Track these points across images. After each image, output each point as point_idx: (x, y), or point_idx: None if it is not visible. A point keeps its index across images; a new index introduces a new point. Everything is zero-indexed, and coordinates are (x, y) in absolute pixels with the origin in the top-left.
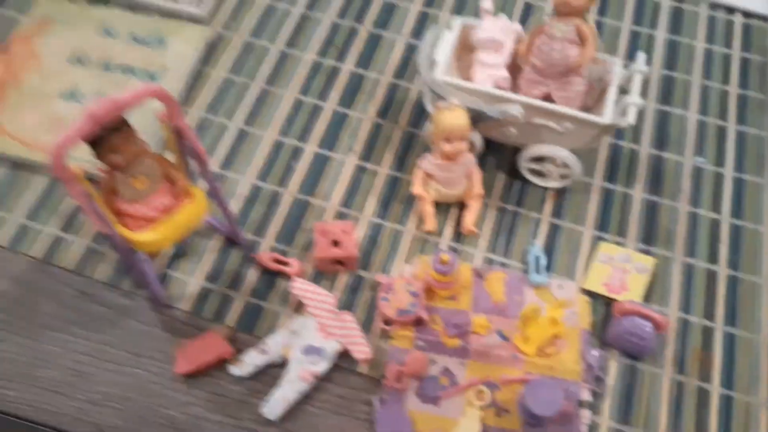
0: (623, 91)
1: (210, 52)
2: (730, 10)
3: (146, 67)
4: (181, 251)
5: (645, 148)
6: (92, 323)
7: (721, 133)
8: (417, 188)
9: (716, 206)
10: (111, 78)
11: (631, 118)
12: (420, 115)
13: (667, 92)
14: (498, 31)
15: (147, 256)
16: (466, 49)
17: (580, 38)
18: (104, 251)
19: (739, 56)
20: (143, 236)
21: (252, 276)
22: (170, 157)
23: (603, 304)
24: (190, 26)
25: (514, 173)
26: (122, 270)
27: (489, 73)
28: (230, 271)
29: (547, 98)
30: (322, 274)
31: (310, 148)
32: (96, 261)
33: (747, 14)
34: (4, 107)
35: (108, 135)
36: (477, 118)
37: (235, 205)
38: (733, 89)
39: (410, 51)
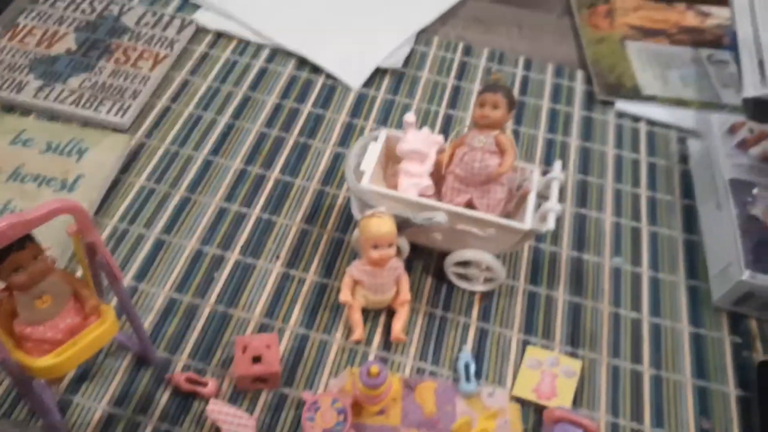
0: (542, 196)
1: (131, 161)
2: (636, 119)
3: (61, 176)
4: (86, 373)
5: (565, 251)
6: None
7: (636, 233)
8: (345, 295)
9: (636, 305)
10: (21, 188)
11: (550, 224)
12: (348, 221)
13: (583, 196)
14: (421, 142)
15: (46, 382)
16: (391, 159)
17: (499, 149)
18: None
19: (646, 161)
20: (43, 362)
21: (164, 398)
22: (79, 272)
23: (534, 411)
24: (112, 135)
25: (441, 277)
26: (16, 397)
27: (414, 182)
28: (140, 393)
29: (470, 205)
30: (242, 393)
31: (233, 257)
32: None
33: (651, 122)
34: None
35: (10, 252)
36: (403, 225)
37: (148, 321)
38: (644, 192)
39: (337, 159)
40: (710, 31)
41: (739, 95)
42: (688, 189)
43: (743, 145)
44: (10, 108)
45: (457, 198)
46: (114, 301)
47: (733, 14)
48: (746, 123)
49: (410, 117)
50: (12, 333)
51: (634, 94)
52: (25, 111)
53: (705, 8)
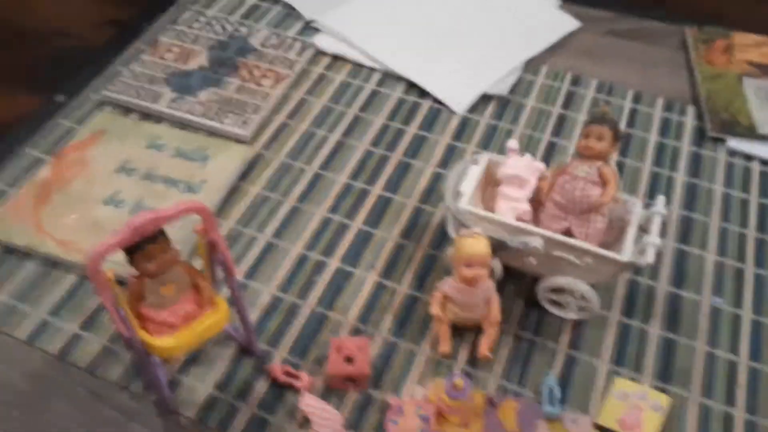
0: (642, 230)
1: (249, 170)
2: (749, 157)
3: (187, 179)
4: (195, 357)
5: (663, 286)
6: (100, 428)
7: (739, 274)
8: (435, 309)
9: (734, 348)
10: (153, 188)
11: (649, 257)
12: (442, 238)
13: (686, 232)
14: (522, 168)
15: (161, 360)
16: (489, 183)
17: (602, 180)
18: (119, 351)
19: (756, 201)
20: (163, 342)
21: (262, 387)
22: (198, 264)
23: None
24: (233, 145)
25: (532, 302)
26: (134, 371)
27: (512, 206)
28: (241, 380)
29: (568, 233)
30: (332, 391)
31: (333, 264)
32: (110, 361)
33: (764, 162)
34: (47, 208)
35: (144, 243)
36: (498, 247)
37: (254, 315)
38: (751, 232)
39: (436, 179)
40: None
41: None
42: None
43: None
44: (147, 115)
45: (555, 225)
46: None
47: None
48: None
49: (513, 143)
50: (138, 315)
51: (749, 132)
52: (159, 119)
53: None
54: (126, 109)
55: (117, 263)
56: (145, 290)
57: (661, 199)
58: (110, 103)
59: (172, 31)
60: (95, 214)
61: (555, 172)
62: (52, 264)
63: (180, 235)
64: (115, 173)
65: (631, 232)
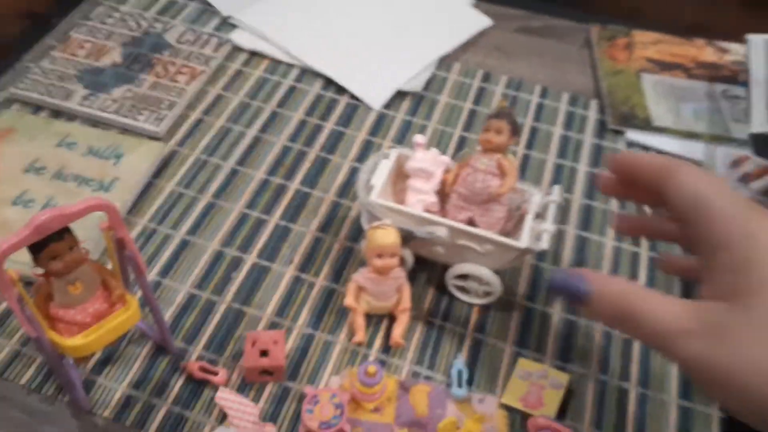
0: (540, 217)
1: (163, 167)
2: (645, 148)
3: (99, 178)
4: (109, 357)
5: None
6: (11, 430)
7: (635, 258)
8: (349, 300)
9: None
10: (64, 187)
11: (544, 244)
12: (358, 232)
13: (587, 219)
14: (429, 161)
15: (74, 362)
16: (401, 176)
17: (501, 171)
18: (30, 354)
19: None
20: (73, 341)
21: (178, 384)
22: (110, 264)
23: (520, 418)
24: (147, 142)
25: (442, 289)
26: (47, 374)
27: (419, 198)
28: (157, 378)
29: (471, 222)
30: (249, 385)
31: (251, 259)
32: (20, 365)
33: (659, 152)
34: None
35: (49, 242)
36: (407, 238)
37: (169, 313)
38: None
39: (353, 174)
40: (727, 67)
41: (748, 130)
42: None
43: (746, 179)
44: (58, 113)
45: (459, 215)
46: (138, 293)
47: (749, 51)
48: (750, 157)
49: (420, 138)
50: (47, 315)
51: (646, 124)
52: (71, 117)
53: (724, 44)
54: (36, 107)
55: (24, 264)
56: (52, 290)
57: (556, 189)
58: (18, 100)
59: (84, 27)
60: (3, 215)
61: (458, 165)
62: None
63: (91, 234)
64: (23, 173)
65: (528, 220)
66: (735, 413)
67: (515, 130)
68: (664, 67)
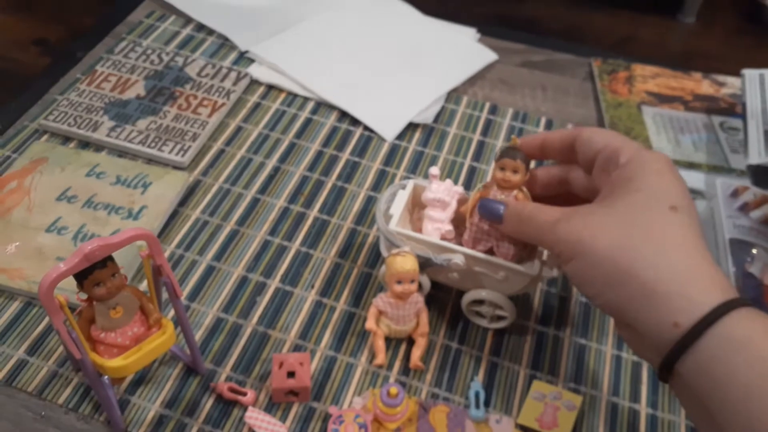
0: None
1: (188, 196)
2: None
3: (128, 206)
4: (142, 378)
5: (574, 296)
6: None
7: None
8: (370, 323)
9: None
10: (94, 215)
11: (555, 271)
12: (376, 257)
13: None
14: (443, 192)
15: (111, 381)
16: (417, 205)
17: None
18: (67, 375)
19: None
20: (114, 363)
21: (209, 404)
22: (144, 287)
23: None
24: (172, 172)
25: (458, 314)
26: (83, 394)
27: (436, 227)
28: (187, 398)
29: (489, 253)
30: (276, 405)
31: (273, 284)
32: (58, 385)
33: None
34: None
35: (94, 269)
36: (425, 264)
37: (198, 336)
38: None
39: (369, 202)
40: (724, 99)
41: (745, 161)
42: None
43: (745, 208)
44: (86, 144)
45: (477, 246)
46: (170, 314)
47: (744, 85)
48: (749, 188)
49: (435, 170)
50: (89, 337)
51: None
52: (99, 148)
53: (721, 78)
54: (65, 138)
55: (64, 290)
56: (95, 314)
57: None
58: (48, 131)
59: (108, 61)
60: (38, 242)
61: (476, 196)
62: None
63: (125, 259)
64: (55, 201)
65: (541, 248)
66: (587, 287)
67: (528, 166)
68: (663, 99)
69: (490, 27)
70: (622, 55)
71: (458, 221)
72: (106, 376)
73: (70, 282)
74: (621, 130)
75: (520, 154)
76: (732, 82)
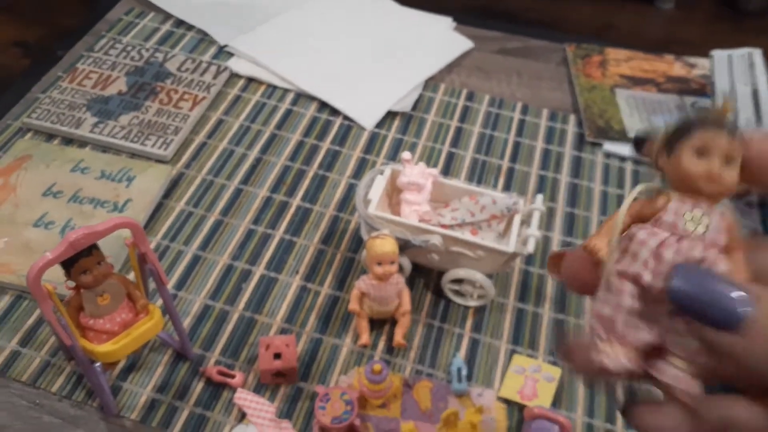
0: (526, 224)
1: (172, 188)
2: (622, 159)
3: (113, 199)
4: (133, 365)
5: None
6: None
7: None
8: (353, 305)
9: None
10: (80, 209)
11: (530, 248)
12: (358, 242)
13: (570, 226)
14: (417, 175)
15: (102, 368)
16: (396, 190)
17: (729, 243)
18: (60, 364)
19: None
20: (103, 348)
21: (198, 387)
22: (132, 277)
23: (517, 410)
24: (155, 165)
25: (439, 293)
26: (76, 382)
27: (413, 209)
28: (178, 382)
29: (660, 350)
30: (264, 386)
31: (259, 271)
32: (51, 374)
33: (635, 162)
34: None
35: (80, 258)
36: (404, 246)
37: (186, 322)
38: None
39: (350, 189)
40: (695, 80)
41: None
42: None
43: None
44: (70, 141)
45: (638, 335)
46: (159, 303)
47: (713, 66)
48: None
49: (407, 155)
50: (78, 325)
51: (621, 136)
52: (83, 143)
53: (692, 59)
54: (48, 135)
55: (52, 281)
56: (83, 301)
57: (539, 197)
58: (32, 129)
59: (89, 58)
60: (26, 237)
61: (624, 219)
62: None
63: (112, 250)
64: (42, 197)
65: (515, 227)
66: None
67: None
68: (636, 82)
69: (465, 16)
70: (600, 42)
71: (584, 270)
72: (98, 363)
73: (59, 275)
74: (595, 113)
75: (731, 128)
76: (703, 63)
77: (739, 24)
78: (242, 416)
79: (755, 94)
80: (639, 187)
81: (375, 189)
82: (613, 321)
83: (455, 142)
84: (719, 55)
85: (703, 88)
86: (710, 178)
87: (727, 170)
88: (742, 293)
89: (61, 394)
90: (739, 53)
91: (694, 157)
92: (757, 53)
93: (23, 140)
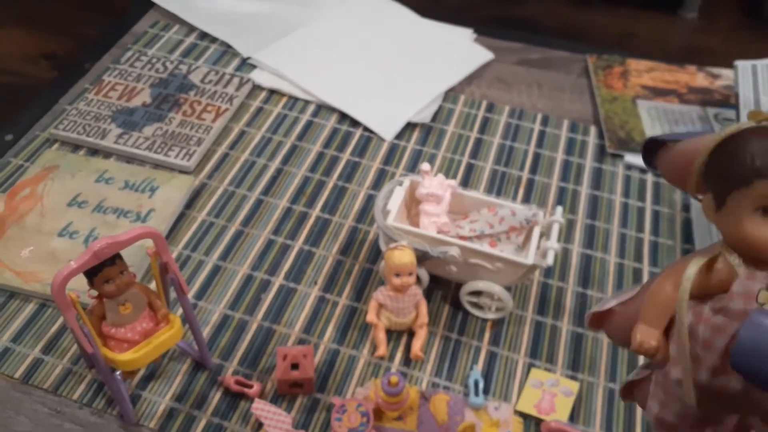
0: (545, 236)
1: (194, 198)
2: (643, 171)
3: (136, 209)
4: (153, 373)
5: (571, 287)
6: None
7: (637, 274)
8: (371, 316)
9: None
10: (104, 219)
11: (549, 260)
12: (377, 253)
13: (590, 238)
14: (436, 186)
15: (123, 376)
16: (415, 201)
17: None
18: (81, 372)
19: (650, 208)
20: (124, 356)
21: (216, 397)
22: (153, 285)
23: (534, 424)
24: (178, 176)
25: (456, 306)
26: (96, 390)
27: (432, 221)
28: (196, 392)
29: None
30: (282, 397)
31: (278, 281)
32: (72, 382)
33: (656, 174)
34: (4, 242)
35: (103, 267)
36: (423, 257)
37: (205, 332)
38: (647, 236)
39: (370, 200)
40: (719, 91)
41: None
42: (688, 235)
43: None
44: (95, 151)
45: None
46: (179, 312)
47: (737, 76)
48: None
49: (425, 166)
50: (100, 333)
51: None
52: (108, 154)
53: (715, 70)
54: (74, 146)
55: (75, 289)
56: (105, 310)
57: (558, 210)
58: (59, 140)
59: (115, 70)
60: (51, 246)
61: (700, 281)
62: (11, 294)
63: (134, 259)
64: (67, 207)
65: (534, 239)
66: None
67: None
68: (658, 93)
69: (486, 28)
70: (622, 52)
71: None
72: (118, 372)
73: (82, 284)
74: (616, 124)
75: None
76: (726, 74)
77: (764, 33)
78: (259, 426)
79: None
80: (692, 268)
81: (394, 200)
82: (676, 429)
83: (475, 154)
84: (743, 65)
85: (727, 99)
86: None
87: None
88: None
89: (81, 402)
90: (764, 63)
91: (759, 218)
92: None
93: (50, 151)
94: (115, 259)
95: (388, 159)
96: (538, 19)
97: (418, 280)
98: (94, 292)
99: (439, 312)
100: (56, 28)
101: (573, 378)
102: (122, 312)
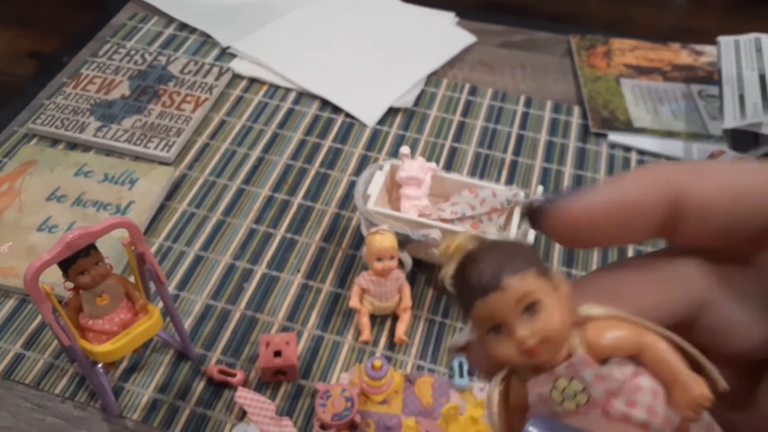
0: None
1: (175, 189)
2: (627, 149)
3: (116, 202)
4: (135, 365)
5: (555, 266)
6: None
7: (622, 253)
8: (354, 302)
9: None
10: (83, 212)
11: (530, 240)
12: (359, 240)
13: None
14: (416, 169)
15: (104, 369)
16: (396, 185)
17: None
18: (63, 366)
19: None
20: (102, 348)
21: (200, 387)
22: (132, 278)
23: None
24: (158, 167)
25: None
26: (79, 384)
27: (413, 204)
28: (180, 382)
29: None
30: (265, 384)
31: (260, 270)
32: (54, 376)
33: (641, 152)
34: None
35: (78, 258)
36: (404, 241)
37: (188, 323)
38: None
39: (352, 187)
40: (702, 68)
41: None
42: None
43: None
44: (74, 145)
45: None
46: (160, 304)
47: (719, 52)
48: (725, 151)
49: (405, 149)
50: (77, 325)
51: (626, 126)
52: (87, 147)
53: (699, 47)
54: (53, 140)
55: (51, 282)
56: (82, 302)
57: (540, 189)
58: (37, 135)
59: (93, 64)
60: (30, 240)
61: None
62: None
63: (113, 251)
64: (45, 201)
65: (515, 219)
66: None
67: None
68: (641, 71)
69: (470, 12)
70: (611, 34)
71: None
72: (99, 364)
73: (59, 276)
74: (599, 104)
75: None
76: (710, 50)
77: (756, 13)
78: (243, 415)
79: (762, 79)
80: (495, 396)
81: (374, 184)
82: None
83: (458, 137)
84: (726, 41)
85: (710, 76)
86: (527, 353)
87: (540, 321)
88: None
89: (64, 396)
90: (746, 38)
91: (494, 337)
92: (764, 38)
93: (28, 146)
94: (90, 250)
95: (371, 145)
96: (529, 4)
97: (402, 264)
98: (70, 284)
99: (422, 295)
100: (43, 28)
101: None
102: (99, 303)
